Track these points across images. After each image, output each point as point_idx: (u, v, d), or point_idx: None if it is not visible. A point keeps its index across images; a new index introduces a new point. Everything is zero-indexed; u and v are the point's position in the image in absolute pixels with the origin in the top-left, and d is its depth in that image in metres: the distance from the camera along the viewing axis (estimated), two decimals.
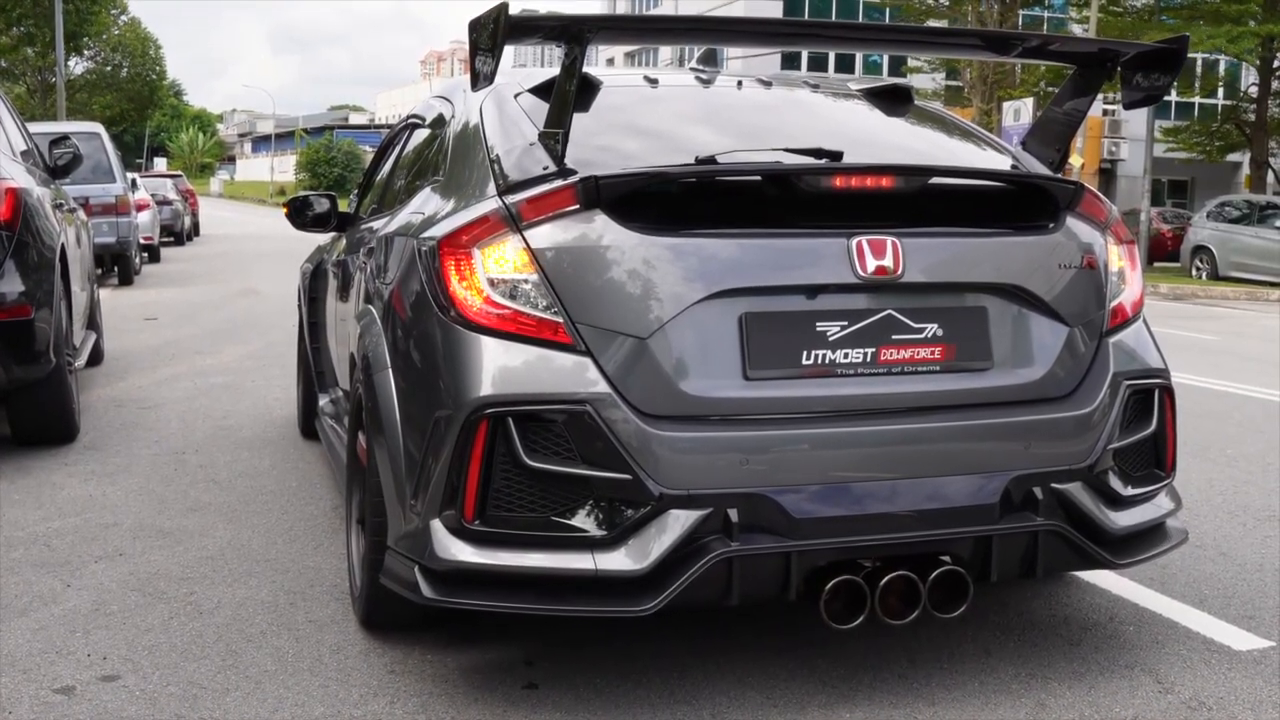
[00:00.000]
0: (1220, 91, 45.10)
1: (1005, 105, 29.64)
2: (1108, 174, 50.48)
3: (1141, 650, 3.79)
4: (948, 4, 33.95)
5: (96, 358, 9.33)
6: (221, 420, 7.34)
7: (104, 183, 16.63)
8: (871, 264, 3.34)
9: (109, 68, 58.29)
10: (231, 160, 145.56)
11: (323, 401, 6.03)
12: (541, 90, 3.90)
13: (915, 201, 3.56)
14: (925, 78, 38.11)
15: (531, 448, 3.18)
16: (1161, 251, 32.72)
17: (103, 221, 16.06)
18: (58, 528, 5.00)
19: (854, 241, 3.36)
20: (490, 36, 3.27)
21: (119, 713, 3.26)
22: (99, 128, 18.05)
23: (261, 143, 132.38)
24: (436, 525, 3.26)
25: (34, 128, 11.93)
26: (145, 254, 21.79)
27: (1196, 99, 45.14)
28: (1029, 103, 28.65)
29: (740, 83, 4.47)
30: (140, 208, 20.43)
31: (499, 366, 3.24)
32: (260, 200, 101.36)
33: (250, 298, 16.16)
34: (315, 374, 6.36)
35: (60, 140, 8.26)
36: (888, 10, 39.46)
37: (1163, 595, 4.30)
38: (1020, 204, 3.72)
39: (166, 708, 3.29)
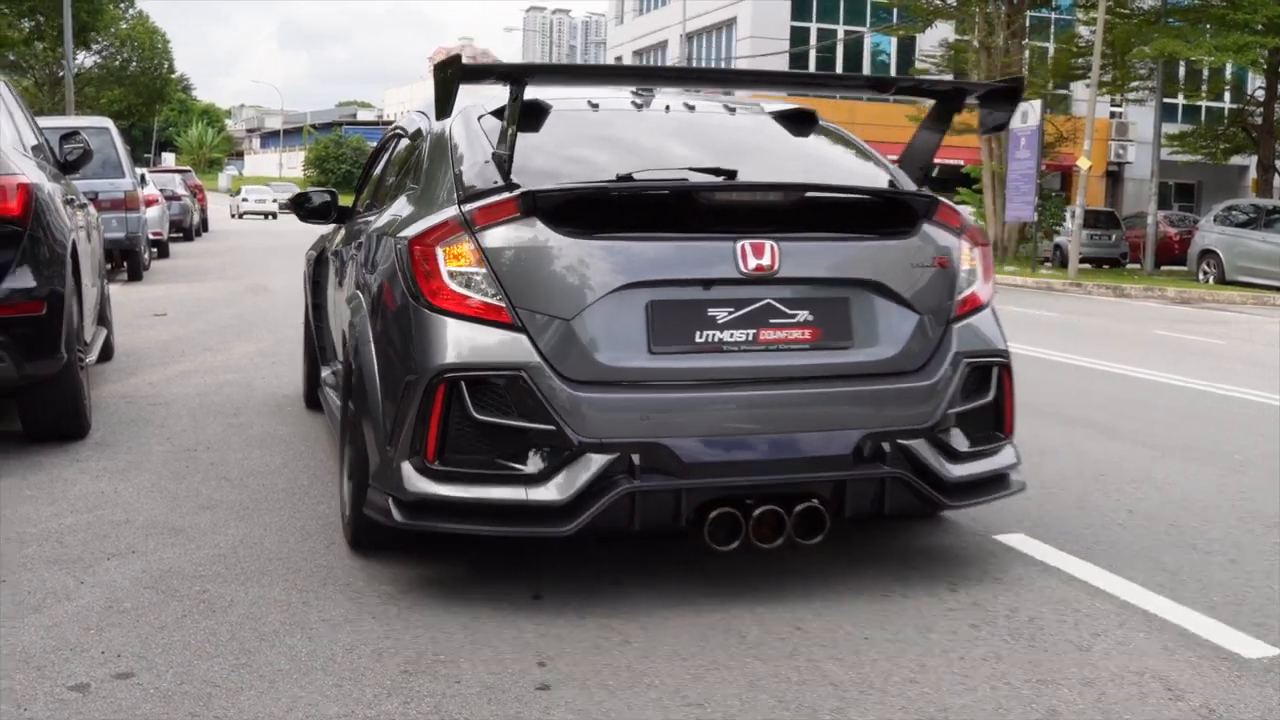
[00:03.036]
0: (1227, 95, 45.05)
1: None
2: (1114, 177, 50.53)
3: (1151, 657, 3.79)
4: (955, 4, 33.82)
5: (107, 353, 9.35)
6: (233, 417, 7.36)
7: (113, 178, 16.66)
8: (752, 263, 4.11)
9: (117, 62, 58.28)
10: (240, 156, 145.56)
11: (324, 373, 6.71)
12: (501, 113, 4.44)
13: (793, 211, 4.30)
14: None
15: (479, 405, 3.97)
16: (1168, 255, 32.74)
17: (112, 217, 16.07)
18: (70, 524, 5.02)
19: (739, 244, 4.12)
20: (446, 81, 4.18)
21: (133, 711, 3.27)
22: (108, 122, 18.07)
23: (270, 138, 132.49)
24: (406, 466, 4.05)
25: (44, 122, 11.94)
26: (154, 249, 21.82)
27: (1203, 103, 45.12)
28: (1036, 105, 28.56)
29: (668, 106, 5.19)
30: (149, 203, 20.46)
31: (455, 341, 4.01)
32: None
33: (260, 294, 16.19)
34: (318, 349, 7.09)
35: (70, 135, 8.26)
36: (895, 10, 39.45)
37: (1173, 601, 4.30)
38: (884, 213, 4.47)
39: (181, 706, 3.30)
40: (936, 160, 4.99)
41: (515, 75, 4.12)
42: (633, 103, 5.15)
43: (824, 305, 4.24)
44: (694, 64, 50.76)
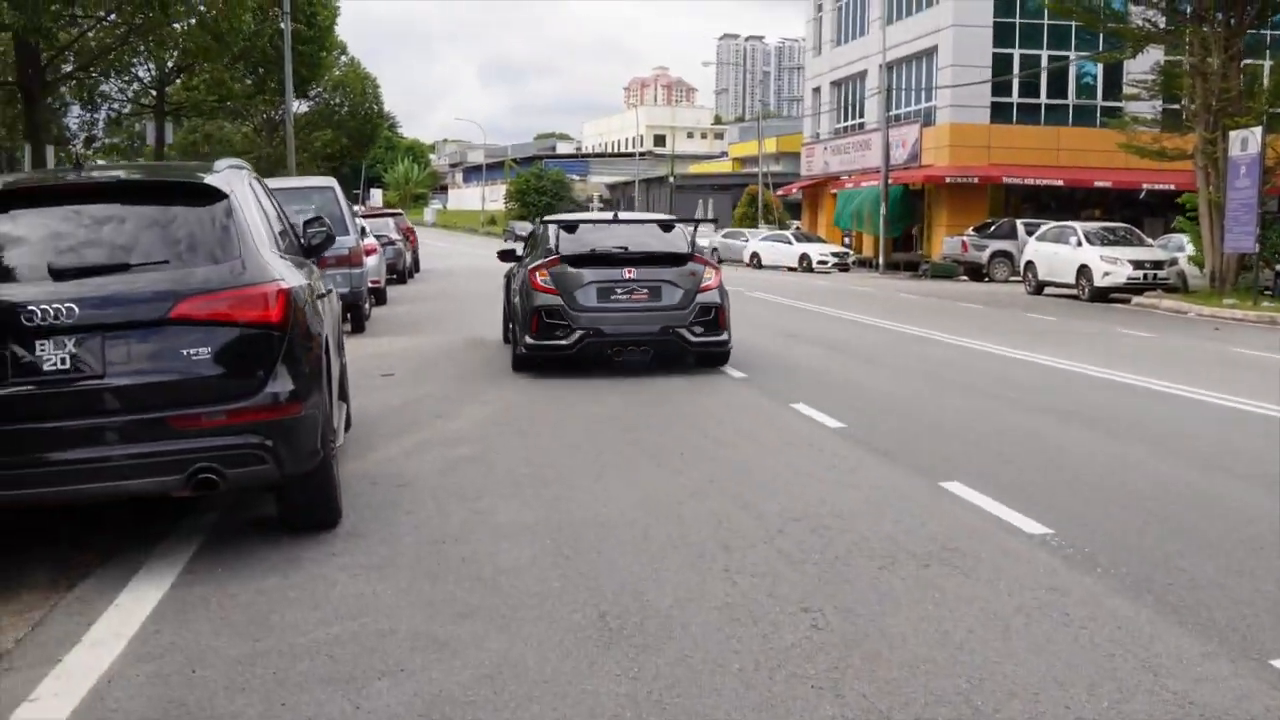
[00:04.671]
0: None
1: (1232, 135, 28.41)
2: None
3: None
4: (1168, 28, 32.68)
5: (345, 424, 9.59)
6: (475, 502, 7.49)
7: (338, 235, 17.13)
8: (627, 275, 13.83)
9: (334, 104, 60.30)
10: (444, 190, 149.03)
11: (511, 327, 14.97)
12: (561, 225, 14.62)
13: (644, 258, 14.01)
14: (1145, 105, 36.88)
15: (548, 317, 13.69)
16: None
17: (336, 273, 16.50)
18: (337, 634, 5.15)
19: (625, 269, 13.87)
20: (539, 220, 16.76)
21: None
22: (332, 181, 18.73)
23: (472, 173, 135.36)
24: (526, 336, 13.87)
25: (275, 184, 12.40)
26: (373, 297, 22.33)
27: None
28: (1257, 132, 27.41)
29: (620, 221, 15.57)
30: (368, 253, 20.98)
31: (540, 299, 13.71)
32: (471, 229, 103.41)
33: (479, 349, 16.55)
34: (509, 316, 15.45)
35: (314, 220, 8.56)
36: (1101, 36, 38.49)
37: None
38: (677, 258, 14.20)
39: None
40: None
41: (556, 223, 14.79)
42: (609, 221, 15.56)
43: (652, 288, 13.66)
44: (894, 92, 50.22)
